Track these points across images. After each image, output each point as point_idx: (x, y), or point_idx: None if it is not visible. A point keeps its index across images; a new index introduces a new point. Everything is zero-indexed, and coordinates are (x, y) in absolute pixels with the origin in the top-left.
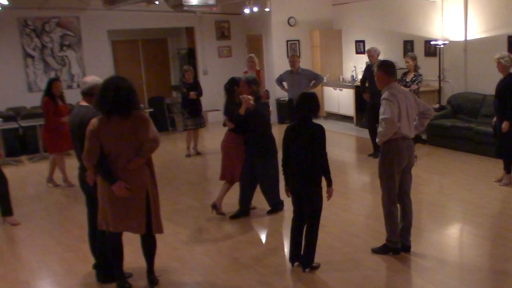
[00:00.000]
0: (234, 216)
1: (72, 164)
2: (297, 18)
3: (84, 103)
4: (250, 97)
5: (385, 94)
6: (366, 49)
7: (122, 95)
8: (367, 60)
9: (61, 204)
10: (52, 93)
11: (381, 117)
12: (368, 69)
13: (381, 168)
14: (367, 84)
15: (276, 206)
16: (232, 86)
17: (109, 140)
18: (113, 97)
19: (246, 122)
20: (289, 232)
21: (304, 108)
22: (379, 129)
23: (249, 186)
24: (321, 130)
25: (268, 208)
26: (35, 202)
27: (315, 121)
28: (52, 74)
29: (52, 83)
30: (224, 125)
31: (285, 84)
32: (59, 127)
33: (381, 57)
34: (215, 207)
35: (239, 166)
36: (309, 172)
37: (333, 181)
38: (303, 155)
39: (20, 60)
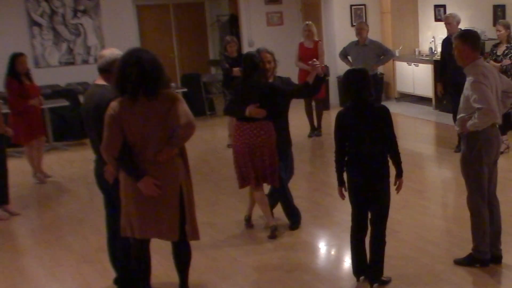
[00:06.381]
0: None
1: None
2: None
3: (101, 82)
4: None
5: (475, 76)
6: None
7: (147, 71)
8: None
9: (73, 205)
10: (16, 71)
11: (475, 105)
12: (447, 42)
13: (466, 163)
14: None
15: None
16: (256, 64)
17: (134, 126)
18: (137, 74)
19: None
20: (348, 240)
21: (358, 87)
22: (473, 120)
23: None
24: (385, 112)
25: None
26: (41, 203)
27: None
28: (64, 46)
29: (16, 59)
30: (241, 116)
31: (350, 58)
32: (27, 111)
33: (464, 26)
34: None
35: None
36: (378, 162)
37: (408, 177)
38: (370, 143)
39: (24, 29)
